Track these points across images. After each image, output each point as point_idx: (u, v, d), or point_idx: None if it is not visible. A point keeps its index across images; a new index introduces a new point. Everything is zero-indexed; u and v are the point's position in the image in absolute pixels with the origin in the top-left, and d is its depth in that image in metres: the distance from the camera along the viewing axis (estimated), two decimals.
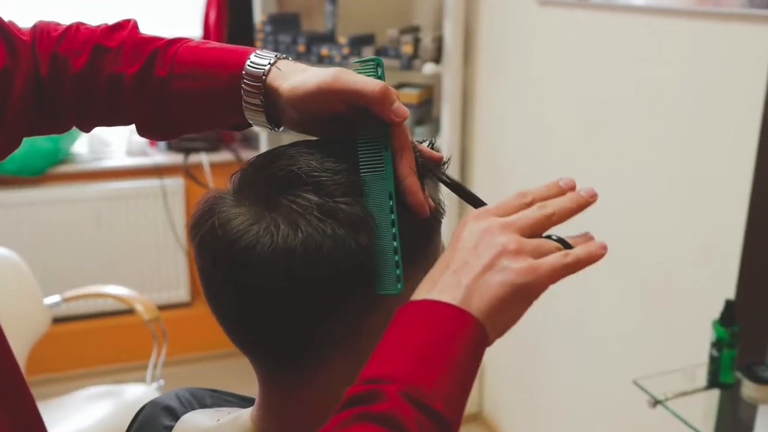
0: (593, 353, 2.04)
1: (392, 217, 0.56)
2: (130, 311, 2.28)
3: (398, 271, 0.56)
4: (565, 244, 0.55)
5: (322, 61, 2.53)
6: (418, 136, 2.53)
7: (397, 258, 0.56)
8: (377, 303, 0.58)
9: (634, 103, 1.79)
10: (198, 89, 0.66)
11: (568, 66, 2.04)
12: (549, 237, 0.55)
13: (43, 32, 0.72)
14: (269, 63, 0.63)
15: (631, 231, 1.84)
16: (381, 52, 2.46)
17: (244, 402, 0.78)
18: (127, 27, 0.71)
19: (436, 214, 0.64)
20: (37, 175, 2.86)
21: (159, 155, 3.06)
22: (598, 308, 2.00)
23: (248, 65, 0.63)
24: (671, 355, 1.68)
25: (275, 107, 0.63)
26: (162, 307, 2.88)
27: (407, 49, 2.41)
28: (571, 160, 2.05)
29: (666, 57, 1.68)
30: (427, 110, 2.63)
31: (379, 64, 0.60)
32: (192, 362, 3.05)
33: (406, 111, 0.58)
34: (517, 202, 0.56)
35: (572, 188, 0.59)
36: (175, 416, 0.74)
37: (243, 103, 0.63)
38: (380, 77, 0.60)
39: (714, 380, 1.45)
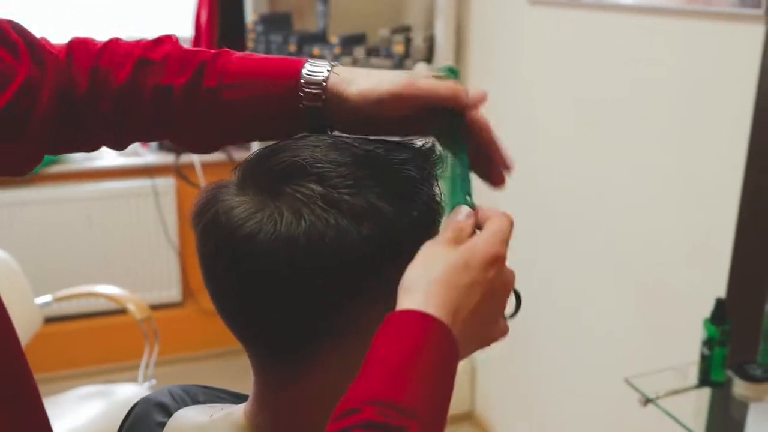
0: (585, 352, 2.04)
1: (469, 197, 0.61)
2: (121, 311, 2.28)
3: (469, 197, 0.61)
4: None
5: None
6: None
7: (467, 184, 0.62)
8: (379, 298, 0.58)
9: (626, 102, 1.80)
10: (251, 97, 0.66)
11: (560, 65, 2.05)
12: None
13: (81, 47, 0.71)
14: (327, 69, 0.64)
15: (623, 231, 1.85)
16: (372, 51, 2.46)
17: (236, 398, 0.78)
18: (169, 41, 0.71)
19: (440, 210, 0.65)
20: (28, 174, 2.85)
21: (150, 155, 3.05)
22: (591, 307, 2.00)
23: (306, 73, 0.64)
24: (663, 354, 1.69)
25: (335, 111, 0.64)
26: (153, 307, 2.87)
27: (399, 48, 2.41)
28: (563, 159, 2.06)
29: (657, 56, 1.69)
30: None
31: (453, 71, 0.65)
32: (183, 362, 3.05)
33: (483, 91, 0.63)
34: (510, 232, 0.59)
35: None
36: (168, 413, 0.74)
37: (303, 108, 0.64)
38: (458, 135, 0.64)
39: (705, 379, 1.46)
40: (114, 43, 0.71)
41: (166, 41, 0.71)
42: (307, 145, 0.60)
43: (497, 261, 0.55)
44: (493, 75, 2.38)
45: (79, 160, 2.98)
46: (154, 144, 3.07)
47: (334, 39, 2.50)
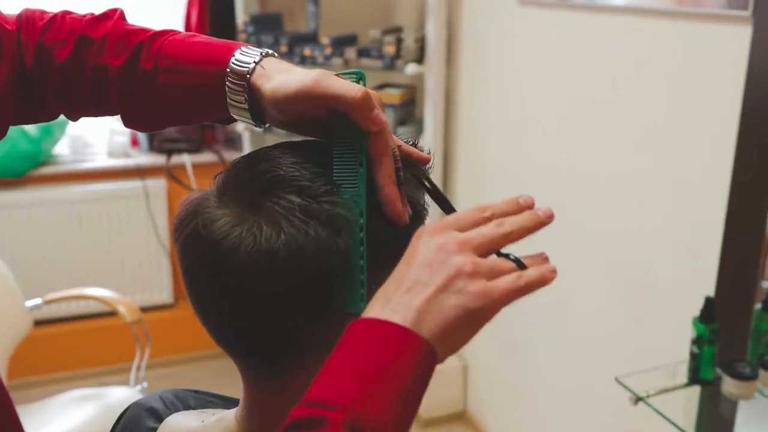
0: (576, 351, 2.05)
1: (361, 235, 0.55)
2: (112, 314, 2.27)
3: (362, 291, 0.56)
4: (519, 265, 0.53)
5: (304, 61, 2.53)
6: (401, 136, 2.50)
7: (362, 277, 0.55)
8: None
9: (616, 102, 1.81)
10: (183, 84, 0.66)
11: (550, 66, 2.05)
12: (505, 255, 0.54)
13: (29, 21, 0.72)
14: (254, 61, 0.62)
15: (613, 230, 1.86)
16: (363, 52, 2.47)
17: (227, 403, 0.78)
18: (113, 17, 0.71)
19: (420, 216, 0.64)
20: (18, 177, 2.84)
21: (141, 156, 3.05)
22: (582, 306, 2.01)
23: (233, 63, 0.63)
24: (653, 353, 1.70)
25: (259, 105, 0.63)
26: (145, 309, 2.86)
27: (390, 49, 2.41)
28: (554, 159, 2.07)
29: (646, 57, 1.70)
30: (409, 110, 2.64)
31: (361, 77, 0.60)
32: (175, 364, 3.04)
33: (384, 120, 0.58)
34: (476, 216, 0.54)
35: (530, 206, 0.58)
36: (159, 418, 0.74)
37: (228, 100, 0.63)
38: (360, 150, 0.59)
39: (695, 377, 1.46)
40: (60, 18, 0.72)
41: (109, 17, 0.71)
42: (286, 154, 0.60)
43: (430, 232, 0.52)
44: (485, 75, 2.38)
45: (69, 162, 2.97)
46: (144, 145, 3.07)
47: (325, 40, 2.50)
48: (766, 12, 1.35)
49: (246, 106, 0.63)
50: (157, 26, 0.71)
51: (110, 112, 0.72)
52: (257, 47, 0.65)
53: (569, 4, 1.93)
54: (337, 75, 0.60)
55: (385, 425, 0.47)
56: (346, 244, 0.56)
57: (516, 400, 2.41)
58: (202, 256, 0.57)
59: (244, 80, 0.62)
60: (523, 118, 2.20)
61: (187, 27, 2.93)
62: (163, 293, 3.11)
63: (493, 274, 0.52)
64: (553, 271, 0.54)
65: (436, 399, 2.68)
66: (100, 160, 3.02)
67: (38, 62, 0.70)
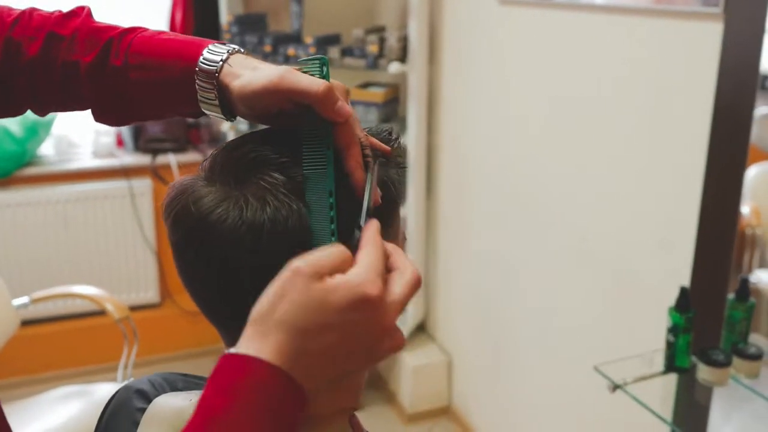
0: (558, 343, 2.08)
1: (331, 214, 0.58)
2: (99, 313, 2.28)
3: None
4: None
5: (288, 61, 2.55)
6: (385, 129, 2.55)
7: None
8: None
9: (595, 99, 1.84)
10: (153, 80, 0.68)
11: (531, 64, 2.09)
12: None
13: None
14: (221, 59, 0.65)
15: (593, 224, 1.89)
16: (347, 51, 2.49)
17: None
18: (81, 14, 0.72)
19: (395, 198, 0.67)
20: (3, 177, 2.84)
21: (126, 156, 3.05)
22: (562, 299, 2.05)
23: (201, 62, 0.65)
24: (631, 342, 1.73)
25: (229, 101, 0.65)
26: (131, 308, 2.87)
27: (373, 48, 2.44)
28: (535, 156, 2.10)
29: (624, 54, 1.73)
30: (393, 109, 2.67)
31: (324, 63, 0.62)
32: (162, 362, 3.05)
33: (349, 110, 0.60)
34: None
35: None
36: (148, 399, 0.76)
37: (198, 97, 0.66)
38: (325, 76, 0.62)
39: (671, 365, 1.50)
40: (28, 14, 0.73)
41: (77, 14, 0.72)
42: (270, 137, 0.63)
43: (362, 302, 0.49)
44: (467, 74, 2.41)
45: (55, 162, 2.97)
46: (130, 145, 3.07)
47: (308, 39, 2.52)
48: (736, 9, 1.39)
49: (216, 102, 0.65)
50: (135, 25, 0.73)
51: (80, 107, 0.74)
52: (224, 44, 0.67)
53: (549, 3, 1.96)
54: (300, 62, 0.62)
55: None
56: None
57: (499, 394, 2.44)
58: (191, 231, 0.60)
59: (213, 78, 0.64)
60: (506, 116, 2.23)
61: (172, 27, 2.94)
62: (150, 292, 3.11)
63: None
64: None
65: (420, 394, 2.71)
66: (85, 160, 3.02)
67: (6, 57, 0.71)
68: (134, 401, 0.77)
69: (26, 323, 2.48)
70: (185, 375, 0.84)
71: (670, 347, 1.49)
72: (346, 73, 2.58)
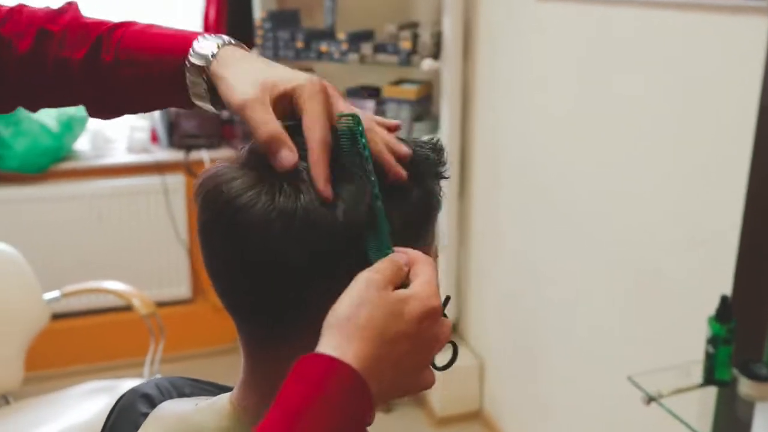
0: (592, 350, 2.03)
1: (376, 191, 0.58)
2: (128, 308, 2.29)
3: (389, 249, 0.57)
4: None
5: (321, 57, 2.53)
6: (417, 132, 2.52)
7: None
8: None
9: (632, 95, 1.78)
10: (144, 75, 0.68)
11: (567, 60, 2.03)
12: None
13: None
14: (211, 54, 0.64)
15: (628, 226, 1.83)
16: (379, 48, 2.46)
17: (222, 391, 0.77)
18: (71, 11, 0.72)
19: (432, 211, 0.64)
20: (39, 172, 2.87)
21: (160, 152, 3.07)
22: (597, 305, 1.99)
23: (191, 57, 0.65)
24: (667, 352, 1.67)
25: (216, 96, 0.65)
26: (164, 304, 2.89)
27: (406, 44, 2.40)
28: (570, 155, 2.04)
29: (663, 49, 1.67)
30: (425, 106, 2.63)
31: (358, 123, 0.59)
32: (192, 358, 3.05)
33: (291, 161, 0.57)
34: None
35: None
36: (153, 404, 0.75)
37: (189, 92, 0.66)
38: (358, 133, 0.59)
39: (710, 377, 1.43)
40: (18, 11, 0.73)
41: (67, 11, 0.72)
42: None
43: (433, 314, 0.54)
44: (501, 71, 2.36)
45: (90, 158, 3.00)
46: (164, 141, 3.09)
47: (341, 35, 2.49)
48: None
49: (207, 96, 0.65)
50: (176, 26, 0.73)
51: (72, 103, 0.74)
52: (215, 36, 0.66)
53: None
54: (339, 115, 0.60)
55: None
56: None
57: (531, 399, 2.39)
58: (219, 213, 0.58)
59: (203, 74, 0.64)
60: (541, 114, 2.18)
61: (206, 24, 2.94)
62: (182, 288, 3.12)
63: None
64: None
65: (451, 397, 2.66)
66: (119, 155, 3.05)
67: None
68: (139, 406, 0.77)
69: (57, 317, 2.50)
70: (195, 380, 0.83)
71: (710, 359, 1.42)
72: (379, 70, 2.55)
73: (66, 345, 2.93)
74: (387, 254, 0.56)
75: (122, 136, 3.13)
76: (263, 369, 0.64)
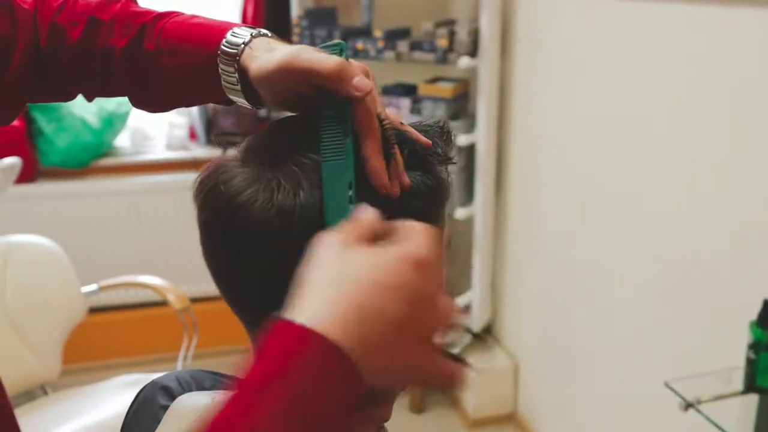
0: (629, 353, 1.98)
1: (350, 207, 0.54)
2: (164, 303, 2.31)
3: None
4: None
5: (357, 55, 2.52)
6: (453, 131, 2.48)
7: None
8: None
9: (677, 95, 1.73)
10: (182, 65, 0.67)
11: (609, 58, 1.99)
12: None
13: (45, 2, 0.75)
14: (243, 42, 0.63)
15: (668, 228, 1.78)
16: (416, 45, 2.44)
17: None
18: (121, 0, 0.73)
19: (441, 197, 0.62)
20: (80, 167, 2.92)
21: (198, 149, 3.10)
22: (633, 307, 1.94)
23: (224, 45, 0.63)
24: (707, 358, 1.62)
25: (249, 86, 0.63)
26: (199, 300, 2.90)
27: (442, 42, 2.38)
28: (611, 156, 2.00)
29: (709, 46, 1.62)
30: (462, 105, 2.60)
31: (342, 49, 0.58)
32: (225, 354, 3.07)
33: (369, 84, 0.56)
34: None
35: None
36: (172, 396, 0.75)
37: (222, 82, 0.64)
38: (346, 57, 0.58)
39: (751, 384, 1.38)
40: (74, 1, 0.74)
41: (119, 0, 0.72)
42: (310, 119, 0.60)
43: (422, 264, 0.45)
44: (540, 69, 2.32)
45: (130, 154, 3.04)
46: (202, 138, 3.12)
47: (378, 33, 2.48)
48: None
49: (239, 87, 0.63)
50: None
51: (119, 93, 0.74)
52: (251, 27, 0.65)
53: None
54: (320, 47, 0.59)
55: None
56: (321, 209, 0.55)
57: (567, 402, 2.35)
58: (219, 211, 0.58)
59: (234, 61, 0.62)
60: (580, 113, 2.14)
61: (243, 21, 2.96)
62: None
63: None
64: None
65: (485, 399, 2.63)
66: (158, 152, 3.08)
67: (51, 42, 0.72)
68: (158, 398, 0.78)
69: (94, 311, 2.53)
70: (215, 373, 0.83)
71: (751, 365, 1.37)
72: (415, 68, 2.53)
73: (102, 339, 2.97)
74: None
75: (161, 134, 3.17)
76: None
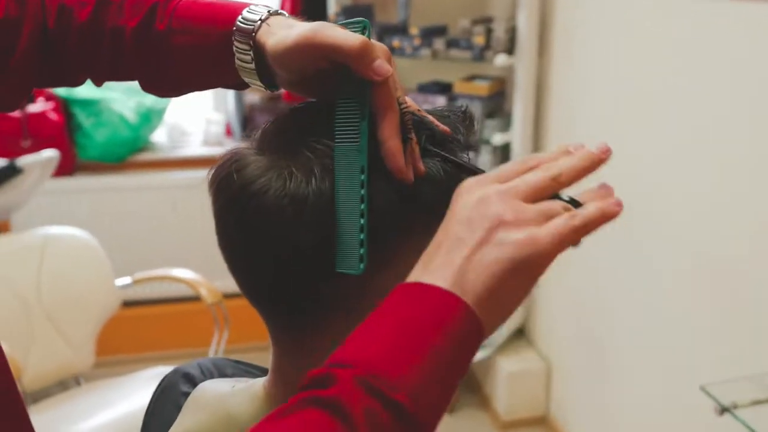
0: (663, 357, 1.94)
1: (362, 192, 0.53)
2: (197, 298, 2.32)
3: (362, 251, 0.53)
4: (574, 204, 0.48)
5: (393, 52, 2.49)
6: (489, 129, 2.47)
7: (362, 236, 0.53)
8: (383, 266, 0.56)
9: (720, 94, 1.69)
10: (194, 45, 0.65)
11: (649, 57, 1.95)
12: (558, 197, 0.48)
13: None
14: (260, 18, 0.60)
15: (705, 229, 1.74)
16: (452, 43, 2.42)
17: (264, 374, 0.77)
18: None
19: (450, 184, 0.60)
20: (117, 162, 2.96)
21: (234, 145, 3.11)
22: (669, 310, 1.90)
23: (239, 21, 0.61)
24: (743, 362, 1.58)
25: (267, 66, 0.61)
26: (232, 295, 2.92)
27: (479, 40, 2.35)
28: (650, 156, 1.96)
29: (744, 44, 1.58)
30: (498, 103, 2.57)
31: (365, 27, 0.56)
32: (256, 350, 3.07)
33: (389, 69, 0.54)
34: (520, 167, 0.50)
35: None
36: (194, 383, 0.75)
37: (236, 62, 0.62)
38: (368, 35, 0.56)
39: None
40: None
41: None
42: (324, 105, 0.59)
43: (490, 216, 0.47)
44: (578, 67, 2.29)
45: (166, 149, 3.07)
46: (237, 134, 3.14)
47: (414, 30, 2.47)
48: None
49: (253, 66, 0.61)
50: None
51: (129, 76, 0.72)
52: (266, 6, 0.63)
53: None
54: (340, 23, 0.57)
55: (406, 388, 0.42)
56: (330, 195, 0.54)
57: (600, 405, 2.31)
58: (232, 200, 0.57)
59: (250, 38, 0.60)
60: (619, 112, 2.10)
61: None
62: None
63: (542, 217, 0.47)
64: (618, 204, 0.49)
65: (517, 400, 2.60)
66: (195, 148, 3.12)
67: (59, 23, 0.70)
68: (180, 385, 0.78)
69: (128, 304, 2.56)
70: (237, 362, 0.83)
71: None
72: (451, 66, 2.51)
73: (135, 331, 3.00)
74: (359, 255, 0.53)
75: (198, 130, 3.20)
76: (289, 358, 0.63)
